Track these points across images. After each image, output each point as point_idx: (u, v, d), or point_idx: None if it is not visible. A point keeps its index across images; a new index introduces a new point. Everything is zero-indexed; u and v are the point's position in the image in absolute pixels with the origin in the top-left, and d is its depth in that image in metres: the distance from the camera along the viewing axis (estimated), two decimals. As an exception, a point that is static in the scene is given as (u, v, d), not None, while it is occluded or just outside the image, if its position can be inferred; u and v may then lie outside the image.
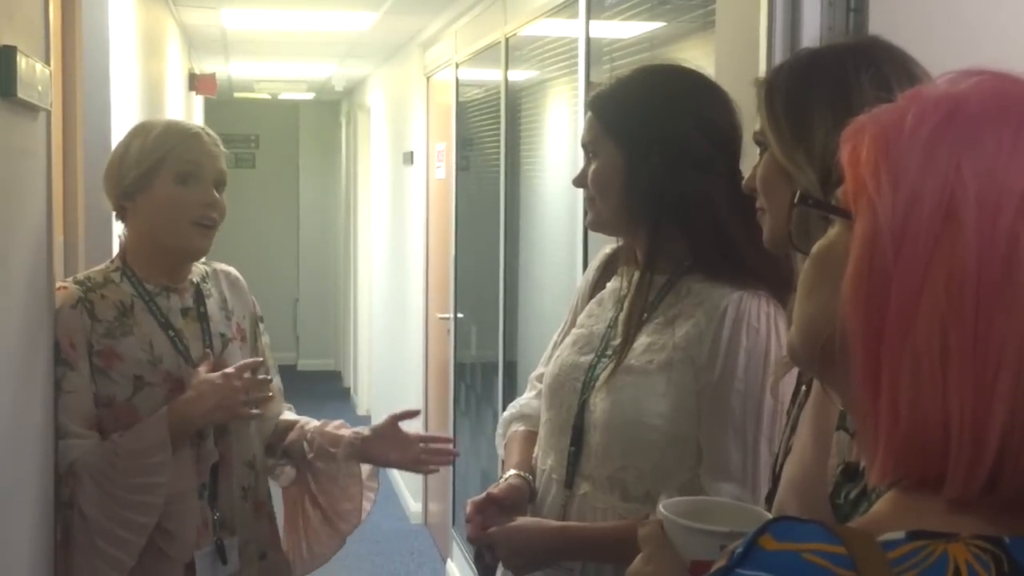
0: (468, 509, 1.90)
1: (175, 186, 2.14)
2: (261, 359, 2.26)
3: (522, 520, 1.87)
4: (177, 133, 2.18)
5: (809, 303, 0.85)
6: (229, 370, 2.13)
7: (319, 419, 2.40)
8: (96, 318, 2.12)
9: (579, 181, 1.91)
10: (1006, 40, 1.92)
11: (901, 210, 0.75)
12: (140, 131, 2.21)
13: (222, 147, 2.24)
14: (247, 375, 2.14)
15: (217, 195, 2.18)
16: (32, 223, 1.99)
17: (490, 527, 1.86)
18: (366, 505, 2.38)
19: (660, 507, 1.18)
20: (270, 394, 2.25)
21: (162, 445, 2.05)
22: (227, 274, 2.35)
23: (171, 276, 2.21)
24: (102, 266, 2.23)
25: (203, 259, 2.33)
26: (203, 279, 2.28)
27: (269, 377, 2.28)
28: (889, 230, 0.75)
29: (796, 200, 0.88)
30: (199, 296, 2.24)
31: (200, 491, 2.16)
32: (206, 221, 2.17)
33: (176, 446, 2.07)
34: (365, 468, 2.37)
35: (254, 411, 2.17)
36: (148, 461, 2.04)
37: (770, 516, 1.21)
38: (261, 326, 2.39)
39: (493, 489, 1.93)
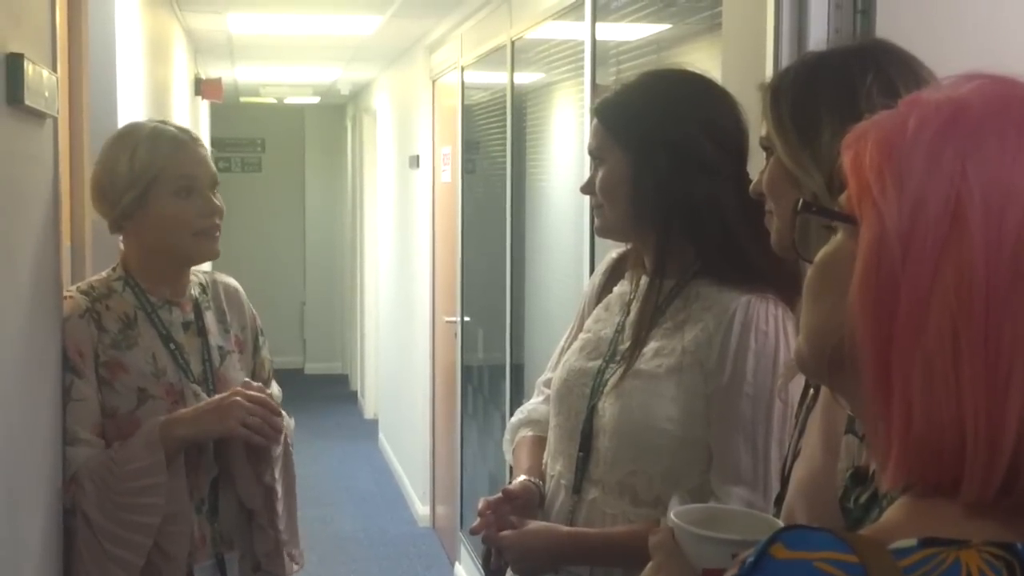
0: (480, 505, 1.90)
1: (174, 202, 2.11)
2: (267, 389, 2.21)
3: (533, 524, 1.86)
4: (164, 146, 2.12)
5: (815, 311, 0.85)
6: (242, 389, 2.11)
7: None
8: (103, 329, 2.11)
9: (587, 188, 1.91)
10: (1012, 42, 1.91)
11: (907, 214, 0.75)
12: (123, 145, 2.15)
13: (204, 144, 2.21)
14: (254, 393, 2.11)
15: (215, 200, 2.16)
16: (39, 229, 1.99)
17: (502, 527, 1.85)
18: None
19: (671, 515, 1.17)
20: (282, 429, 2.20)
21: (157, 466, 2.02)
22: (226, 286, 2.31)
23: (174, 287, 2.19)
24: (103, 274, 2.21)
25: (205, 269, 2.31)
26: (202, 291, 2.26)
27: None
28: (896, 234, 0.75)
29: (799, 207, 0.88)
30: (198, 310, 2.22)
31: (199, 506, 2.14)
32: (212, 230, 2.16)
33: (171, 460, 2.04)
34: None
35: (256, 438, 2.10)
36: (143, 477, 2.02)
37: (781, 524, 1.20)
38: (261, 339, 2.35)
39: (508, 487, 1.93)
